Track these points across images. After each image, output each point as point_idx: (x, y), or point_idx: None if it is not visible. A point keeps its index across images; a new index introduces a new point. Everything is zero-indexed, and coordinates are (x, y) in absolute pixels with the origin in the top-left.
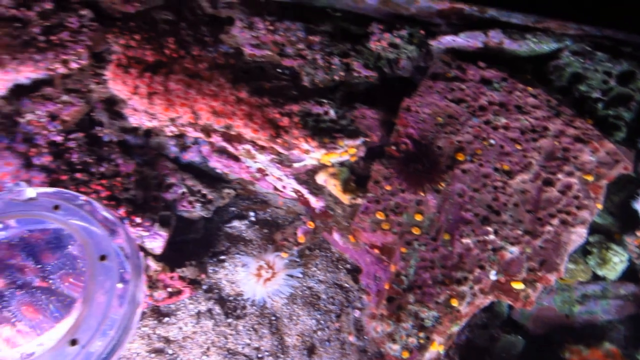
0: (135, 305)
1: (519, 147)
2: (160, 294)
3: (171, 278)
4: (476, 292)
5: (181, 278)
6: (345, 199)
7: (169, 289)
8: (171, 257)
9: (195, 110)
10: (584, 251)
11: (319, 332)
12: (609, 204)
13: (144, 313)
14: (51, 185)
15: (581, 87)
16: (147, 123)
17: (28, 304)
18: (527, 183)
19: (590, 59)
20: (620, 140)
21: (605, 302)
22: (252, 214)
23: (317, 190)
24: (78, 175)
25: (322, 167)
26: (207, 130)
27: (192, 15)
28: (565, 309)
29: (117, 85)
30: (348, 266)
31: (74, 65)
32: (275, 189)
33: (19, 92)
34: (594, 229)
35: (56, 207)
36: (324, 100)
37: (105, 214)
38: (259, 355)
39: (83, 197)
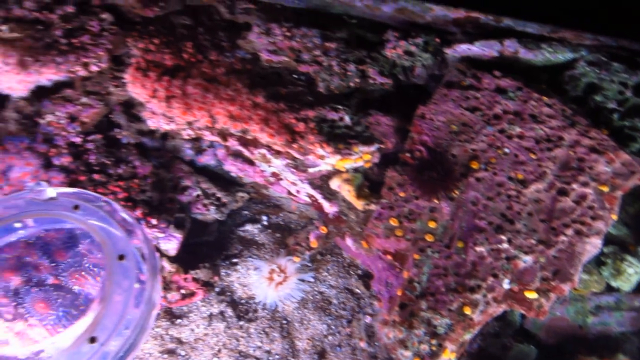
0: (151, 306)
1: (533, 156)
2: (173, 295)
3: (185, 280)
4: (489, 301)
5: (194, 280)
6: (359, 204)
7: (182, 291)
8: (185, 259)
9: (213, 114)
10: (597, 262)
11: (330, 337)
12: (623, 215)
13: (157, 314)
14: (70, 185)
15: (597, 97)
16: (165, 126)
17: (41, 300)
18: (542, 192)
19: (606, 69)
20: (635, 151)
21: (619, 313)
22: (264, 217)
23: (331, 195)
24: (96, 176)
25: (336, 172)
26: (224, 134)
27: (210, 20)
28: (579, 320)
29: (136, 88)
30: (359, 272)
31: (94, 68)
32: (289, 193)
33: (40, 93)
34: (608, 239)
35: (76, 207)
36: (339, 107)
37: (124, 215)
38: (270, 359)
39: (103, 198)
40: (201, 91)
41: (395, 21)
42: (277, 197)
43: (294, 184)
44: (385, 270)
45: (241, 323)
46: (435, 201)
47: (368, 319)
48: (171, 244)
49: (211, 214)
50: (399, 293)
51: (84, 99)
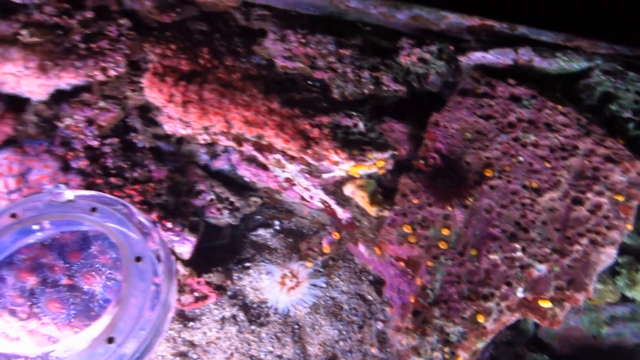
0: (167, 309)
1: (548, 165)
2: (187, 298)
3: (198, 283)
4: (503, 309)
5: (207, 283)
6: (372, 211)
7: (196, 294)
8: (198, 263)
9: (228, 119)
10: (612, 272)
11: (341, 343)
12: (639, 225)
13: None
14: (87, 188)
15: (612, 106)
16: (181, 131)
17: (55, 300)
18: (556, 201)
19: (621, 78)
20: None
21: (635, 324)
22: (277, 222)
23: (344, 201)
24: (112, 179)
25: (349, 178)
26: (239, 139)
27: (226, 26)
28: (593, 330)
29: (153, 93)
30: (371, 278)
31: (112, 73)
32: (302, 198)
33: (59, 97)
34: (623, 249)
35: (93, 210)
36: (354, 113)
37: (141, 218)
38: None
39: (121, 201)
40: (217, 96)
41: (409, 28)
42: (290, 203)
43: (307, 189)
44: (397, 277)
45: (253, 327)
46: (449, 208)
47: (380, 325)
48: (185, 247)
49: (224, 218)
50: (412, 300)
51: (102, 103)
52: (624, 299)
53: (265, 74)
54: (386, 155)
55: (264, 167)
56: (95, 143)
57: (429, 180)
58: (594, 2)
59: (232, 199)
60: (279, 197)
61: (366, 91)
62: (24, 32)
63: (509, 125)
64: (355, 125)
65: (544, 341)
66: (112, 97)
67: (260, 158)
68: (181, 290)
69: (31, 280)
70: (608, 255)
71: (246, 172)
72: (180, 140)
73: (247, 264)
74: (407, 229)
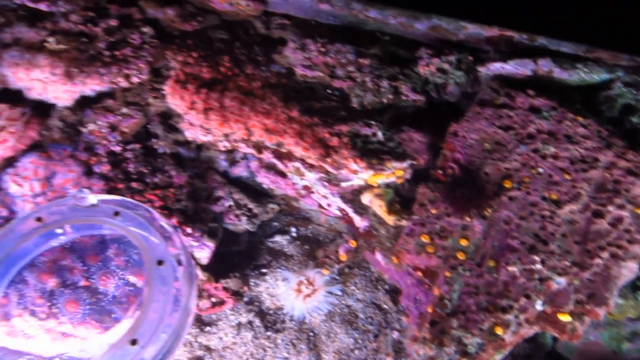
0: (187, 313)
1: (568, 177)
2: (204, 303)
3: (215, 288)
4: (521, 322)
5: (225, 289)
6: (390, 220)
7: (213, 299)
8: (216, 268)
9: (249, 127)
10: (633, 287)
11: (356, 351)
12: None
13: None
14: (109, 192)
15: (633, 119)
16: (202, 137)
17: (73, 301)
18: (576, 214)
19: None
20: None
21: None
22: (293, 229)
23: (362, 209)
24: (134, 184)
25: (367, 187)
26: (259, 147)
27: (246, 35)
28: (613, 345)
29: (175, 100)
30: (386, 287)
31: (135, 80)
32: (320, 206)
33: (83, 103)
34: None
35: (116, 214)
36: (373, 122)
37: (163, 222)
38: None
39: (143, 206)
40: (238, 104)
41: (428, 38)
42: (307, 210)
43: (325, 197)
44: (414, 286)
45: (269, 333)
46: (467, 219)
47: (395, 335)
48: (204, 252)
49: (242, 224)
50: (430, 310)
51: (124, 110)
52: None
53: (285, 82)
54: (405, 164)
55: (282, 175)
56: (117, 148)
57: (448, 191)
58: (615, 14)
59: (250, 205)
60: (296, 205)
61: (385, 100)
62: (50, 39)
63: (529, 137)
64: (374, 134)
65: (563, 355)
66: (134, 103)
67: (280, 165)
68: (199, 295)
69: (51, 282)
70: (629, 270)
71: (264, 179)
72: (200, 147)
73: (264, 270)
74: (425, 239)
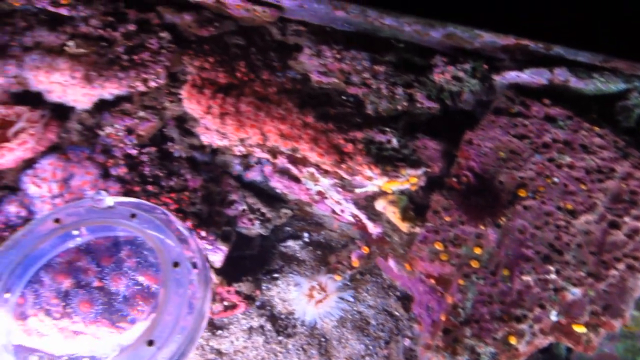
0: (202, 316)
1: (583, 187)
2: (216, 306)
3: (228, 292)
4: (536, 332)
5: (237, 293)
6: (404, 226)
7: (225, 303)
8: (228, 272)
9: (264, 132)
10: None
11: (367, 358)
12: None
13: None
14: (125, 195)
15: None
16: (218, 142)
17: (86, 301)
18: (592, 224)
19: None
20: None
21: None
22: (306, 234)
23: (375, 216)
24: (149, 187)
25: (381, 193)
26: (274, 152)
27: (262, 41)
28: (628, 358)
29: (191, 104)
30: (398, 293)
31: (152, 84)
32: (333, 212)
33: (101, 106)
34: None
35: (133, 216)
36: (387, 129)
37: (179, 226)
38: None
39: (160, 209)
40: (253, 109)
41: (443, 46)
42: (320, 215)
43: (338, 203)
44: (426, 294)
45: (280, 338)
46: (482, 227)
47: (407, 342)
48: (217, 256)
49: (255, 228)
50: (443, 318)
51: (141, 113)
52: None
53: (300, 88)
54: (419, 172)
55: (296, 180)
56: (134, 151)
57: (462, 198)
58: (632, 24)
59: (264, 210)
60: (309, 210)
61: (400, 107)
62: (70, 43)
63: (544, 146)
64: (389, 141)
65: None
66: (151, 107)
67: (294, 171)
68: (212, 298)
69: (66, 283)
70: None
71: (278, 184)
72: (215, 151)
73: (276, 275)
74: (438, 246)
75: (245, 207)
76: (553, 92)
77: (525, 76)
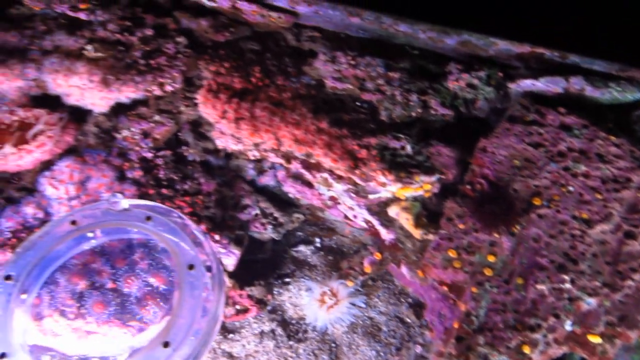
0: (216, 319)
1: (599, 196)
2: (229, 310)
3: (240, 296)
4: (550, 341)
5: (249, 296)
6: (417, 233)
7: (237, 306)
8: (240, 275)
9: (279, 137)
10: None
11: None
12: None
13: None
14: (140, 198)
15: None
16: (233, 146)
17: (99, 302)
18: (607, 234)
19: None
20: None
21: None
22: (317, 240)
23: (388, 222)
24: (164, 190)
25: (395, 200)
26: (288, 157)
27: (277, 46)
28: None
29: (207, 109)
30: (410, 300)
31: (168, 88)
32: (346, 217)
33: (118, 109)
34: None
35: (148, 218)
36: (401, 135)
37: (194, 229)
38: None
39: (176, 213)
40: (268, 114)
41: (457, 53)
42: (332, 220)
43: (351, 208)
44: (438, 301)
45: (291, 343)
46: (496, 235)
47: (418, 349)
48: (230, 259)
49: (268, 233)
50: (456, 325)
51: (157, 117)
52: None
53: (315, 93)
54: (433, 178)
55: (309, 185)
56: (149, 155)
57: (476, 206)
58: None
59: (276, 214)
60: (321, 215)
61: (414, 114)
62: (88, 47)
63: (559, 154)
64: (403, 147)
65: None
66: (166, 111)
67: (307, 176)
68: (225, 302)
69: (81, 284)
70: None
71: (291, 189)
72: (229, 155)
73: (287, 280)
74: (452, 254)
75: (258, 211)
76: (569, 101)
77: (541, 84)
